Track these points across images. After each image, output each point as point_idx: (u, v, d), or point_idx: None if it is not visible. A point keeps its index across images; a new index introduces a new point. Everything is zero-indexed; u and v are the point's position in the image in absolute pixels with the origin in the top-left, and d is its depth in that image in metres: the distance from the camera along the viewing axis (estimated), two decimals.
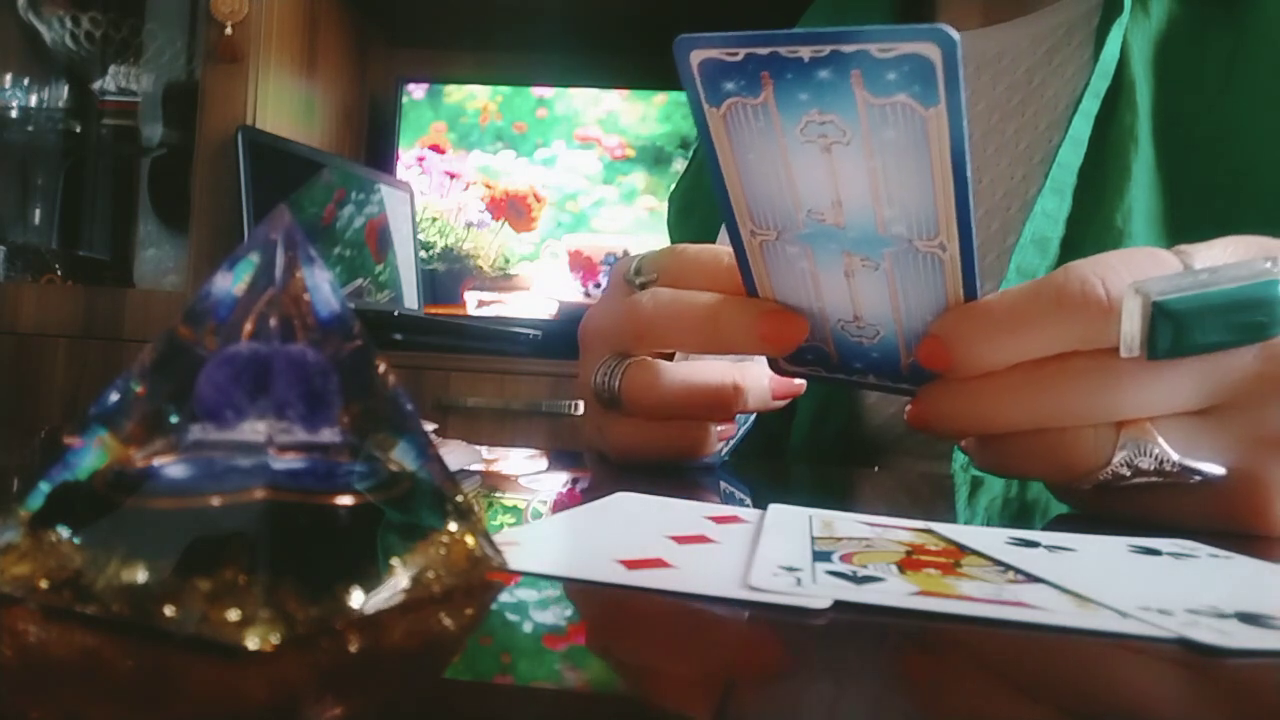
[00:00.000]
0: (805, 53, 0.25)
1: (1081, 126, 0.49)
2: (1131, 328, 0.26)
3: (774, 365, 0.36)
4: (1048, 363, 0.28)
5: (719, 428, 0.39)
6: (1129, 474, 0.28)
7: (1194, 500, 0.28)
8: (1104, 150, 0.49)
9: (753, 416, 0.43)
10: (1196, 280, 0.26)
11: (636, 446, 0.38)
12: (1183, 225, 0.48)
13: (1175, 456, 0.27)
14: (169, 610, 0.14)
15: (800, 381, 0.38)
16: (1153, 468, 0.27)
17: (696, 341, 0.35)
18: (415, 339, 1.35)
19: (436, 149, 1.68)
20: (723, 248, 0.35)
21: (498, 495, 0.31)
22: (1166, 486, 0.28)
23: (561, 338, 1.27)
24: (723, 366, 0.37)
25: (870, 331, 0.32)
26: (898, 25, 0.24)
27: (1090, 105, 0.49)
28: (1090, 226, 0.48)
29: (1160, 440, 0.27)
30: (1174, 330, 0.26)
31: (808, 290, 0.32)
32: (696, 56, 0.26)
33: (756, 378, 0.37)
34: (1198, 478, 0.28)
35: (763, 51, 0.25)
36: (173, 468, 0.16)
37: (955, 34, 0.23)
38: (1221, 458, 0.28)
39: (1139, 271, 0.27)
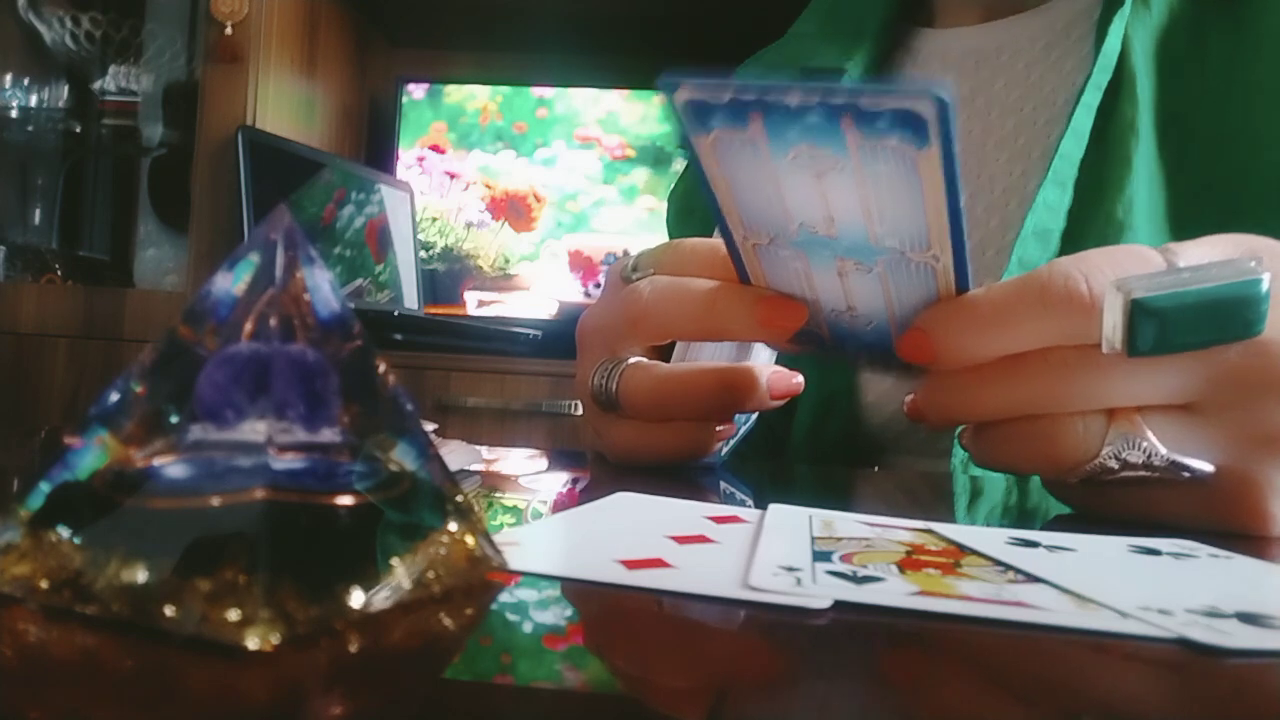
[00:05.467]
0: (793, 100, 0.24)
1: (1083, 119, 0.49)
2: (1113, 325, 0.26)
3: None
4: (1031, 354, 0.28)
5: (718, 428, 0.39)
6: (1117, 467, 0.28)
7: (1188, 499, 0.28)
8: (1105, 143, 0.49)
9: (753, 416, 0.43)
10: (1179, 279, 0.26)
11: (636, 449, 0.38)
12: (1184, 218, 0.48)
13: (1164, 451, 0.27)
14: (169, 610, 0.14)
15: (799, 380, 0.38)
16: (1141, 461, 0.27)
17: (694, 327, 0.35)
18: (415, 339, 1.35)
19: (436, 149, 1.68)
20: (720, 241, 0.35)
21: (498, 495, 0.31)
22: (1159, 484, 0.28)
23: (561, 338, 1.27)
24: (723, 366, 0.37)
25: (864, 321, 0.32)
26: (888, 85, 0.23)
27: (1091, 98, 0.49)
28: (1092, 219, 0.48)
29: (1149, 434, 0.27)
30: (1155, 328, 0.26)
31: (801, 285, 0.32)
32: (681, 95, 0.25)
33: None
34: (1187, 474, 0.28)
35: (748, 97, 0.25)
36: (173, 468, 0.16)
37: (949, 95, 0.22)
38: (1211, 455, 0.28)
39: (1122, 269, 0.27)
